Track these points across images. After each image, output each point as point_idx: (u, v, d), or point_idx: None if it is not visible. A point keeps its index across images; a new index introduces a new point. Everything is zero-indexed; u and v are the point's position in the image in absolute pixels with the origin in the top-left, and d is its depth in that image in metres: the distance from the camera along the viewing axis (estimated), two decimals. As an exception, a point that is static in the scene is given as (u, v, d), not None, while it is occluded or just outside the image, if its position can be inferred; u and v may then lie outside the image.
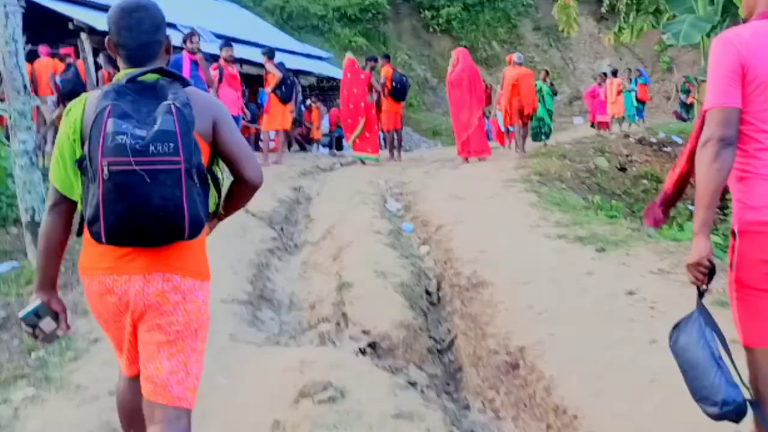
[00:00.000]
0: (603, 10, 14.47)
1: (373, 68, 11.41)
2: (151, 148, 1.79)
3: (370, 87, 10.97)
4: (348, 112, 11.13)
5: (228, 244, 5.43)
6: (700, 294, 2.07)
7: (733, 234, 2.03)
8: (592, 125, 18.65)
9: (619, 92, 17.80)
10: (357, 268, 4.91)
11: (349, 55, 12.28)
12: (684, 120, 21.20)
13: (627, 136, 15.04)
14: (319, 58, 20.82)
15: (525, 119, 12.71)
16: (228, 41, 10.16)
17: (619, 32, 13.02)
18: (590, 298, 4.11)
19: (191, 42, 9.02)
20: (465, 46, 32.39)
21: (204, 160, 1.99)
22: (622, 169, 11.04)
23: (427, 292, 4.88)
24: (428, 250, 5.71)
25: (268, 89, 10.77)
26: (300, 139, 16.93)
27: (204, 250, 2.10)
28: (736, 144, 1.97)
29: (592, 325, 3.73)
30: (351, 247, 5.45)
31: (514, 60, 12.79)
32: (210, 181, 2.04)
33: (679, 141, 15.75)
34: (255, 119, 13.71)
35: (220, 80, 9.38)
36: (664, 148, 14.49)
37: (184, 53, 9.00)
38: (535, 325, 3.85)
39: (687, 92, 22.19)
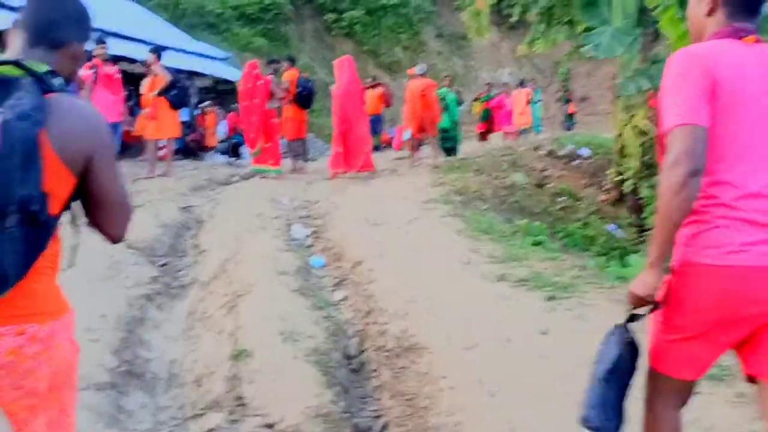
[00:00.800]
0: (513, 19, 13.71)
1: (275, 71, 10.34)
2: None
3: (271, 93, 9.90)
4: (250, 125, 9.99)
5: (90, 293, 4.26)
6: (631, 318, 2.03)
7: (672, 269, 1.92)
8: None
9: (527, 102, 17.62)
10: (257, 326, 3.89)
11: (251, 59, 11.11)
12: (568, 127, 21.63)
13: (536, 148, 14.71)
14: (216, 58, 19.40)
15: (431, 131, 12.29)
16: (101, 38, 8.79)
17: (531, 42, 12.57)
18: (551, 370, 3.30)
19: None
20: (368, 51, 32.04)
21: (63, 193, 1.60)
22: (540, 185, 10.55)
23: (347, 356, 3.92)
24: (345, 296, 4.76)
25: (152, 93, 9.49)
26: (193, 146, 15.53)
27: (54, 274, 1.69)
28: (704, 170, 1.78)
29: (559, 410, 2.92)
30: (250, 293, 4.41)
31: (416, 71, 12.32)
32: (45, 224, 1.55)
33: (586, 153, 15.66)
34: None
35: (95, 81, 8.05)
36: (573, 162, 14.28)
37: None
38: (490, 411, 2.99)
39: (567, 101, 22.61)
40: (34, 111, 1.48)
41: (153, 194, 7.99)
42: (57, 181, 1.55)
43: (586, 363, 3.36)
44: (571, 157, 14.91)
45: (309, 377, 3.39)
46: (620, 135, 10.69)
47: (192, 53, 18.06)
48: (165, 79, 9.28)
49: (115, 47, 13.87)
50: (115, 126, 8.20)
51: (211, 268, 5.35)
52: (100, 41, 8.49)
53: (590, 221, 10.05)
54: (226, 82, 18.76)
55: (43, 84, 1.55)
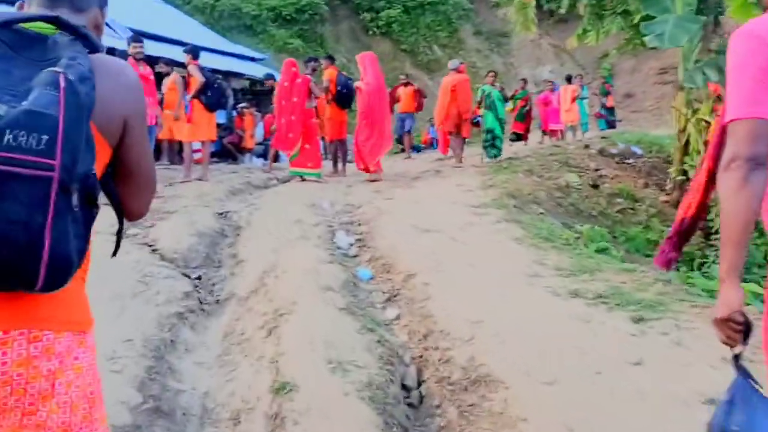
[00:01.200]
0: (561, 11, 13.06)
1: (314, 70, 9.90)
2: (8, 136, 1.15)
3: (309, 92, 9.45)
4: (289, 124, 9.56)
5: (116, 312, 3.84)
6: (736, 357, 1.63)
7: None
8: (544, 133, 17.67)
9: (573, 99, 16.88)
10: (301, 353, 3.40)
11: (289, 57, 10.71)
12: (609, 122, 20.47)
13: (587, 146, 14.00)
14: (252, 59, 19.11)
15: (463, 129, 11.96)
16: (137, 35, 8.44)
17: (583, 34, 11.89)
18: (650, 410, 2.74)
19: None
20: (405, 50, 31.53)
21: (98, 169, 1.36)
22: (595, 186, 9.89)
23: (404, 387, 3.41)
24: (398, 314, 4.24)
25: (188, 95, 9.13)
26: (231, 148, 15.22)
27: (85, 277, 1.43)
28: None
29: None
30: (292, 312, 3.93)
31: (450, 66, 12.32)
32: (96, 205, 1.33)
33: (639, 152, 14.88)
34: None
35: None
36: (627, 161, 13.54)
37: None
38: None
39: (606, 94, 21.52)
40: (90, 73, 1.29)
41: (188, 199, 7.60)
42: (100, 155, 1.35)
43: (692, 401, 2.81)
44: (624, 155, 14.16)
45: (363, 418, 2.88)
46: (683, 131, 9.97)
47: (228, 54, 17.80)
48: (199, 80, 8.91)
49: (151, 48, 13.69)
50: (150, 129, 7.84)
51: (250, 281, 4.89)
52: (136, 39, 8.12)
53: (651, 224, 9.36)
54: (263, 83, 18.47)
55: (88, 43, 1.35)
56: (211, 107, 9.28)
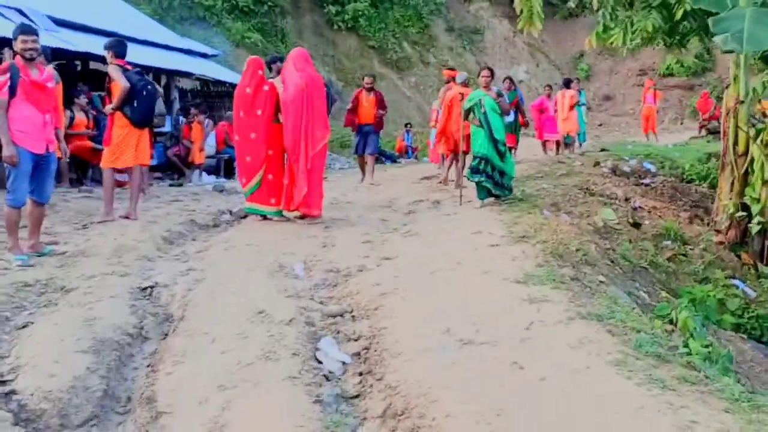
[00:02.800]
0: (571, 4, 10.97)
1: (279, 72, 7.60)
2: None
3: (278, 104, 7.15)
4: (247, 145, 7.23)
5: None
6: None
7: None
8: (544, 146, 15.61)
9: (572, 107, 14.89)
10: None
11: (245, 57, 8.26)
12: None
13: (598, 163, 12.01)
14: (204, 55, 16.62)
15: (459, 149, 9.72)
16: (27, 26, 5.98)
17: (604, 33, 9.82)
18: None
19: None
20: (373, 47, 29.24)
21: None
22: (636, 225, 7.84)
23: None
24: None
25: (108, 106, 6.79)
26: (176, 161, 12.78)
27: None
28: None
29: None
30: None
31: (456, 79, 10.31)
32: None
33: (653, 169, 12.96)
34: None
35: (12, 93, 5.27)
36: (643, 180, 11.59)
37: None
38: None
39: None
40: None
41: (98, 262, 5.25)
42: None
43: None
44: (640, 174, 12.22)
45: None
46: (743, 154, 8.01)
47: (176, 49, 15.29)
48: (122, 86, 6.56)
49: (81, 42, 11.20)
50: (43, 159, 5.45)
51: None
52: (26, 30, 5.60)
53: (710, 275, 7.36)
54: (218, 83, 16.02)
55: None
56: (138, 122, 6.94)
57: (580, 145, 15.65)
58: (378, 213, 8.00)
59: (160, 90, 9.48)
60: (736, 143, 8.44)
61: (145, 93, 6.88)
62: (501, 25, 34.40)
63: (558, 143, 14.90)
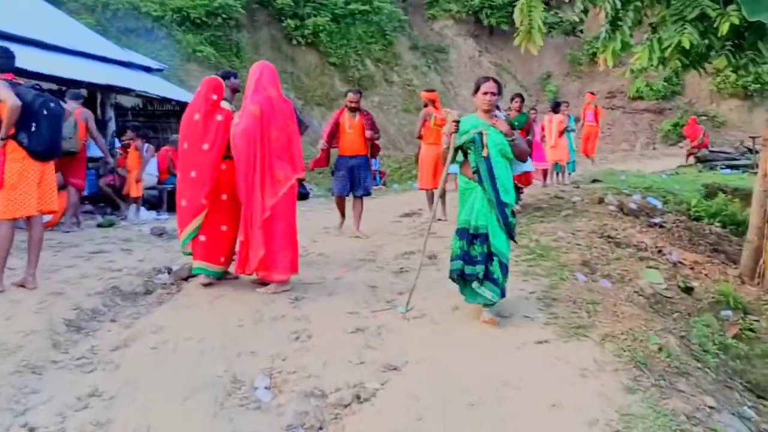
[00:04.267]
0: (575, 18, 9.43)
1: (235, 91, 5.80)
2: None
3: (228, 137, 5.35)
4: (185, 185, 5.44)
5: None
6: None
7: None
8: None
9: (561, 133, 13.45)
10: None
11: (196, 72, 6.27)
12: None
13: (602, 200, 10.51)
14: (147, 69, 14.64)
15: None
16: None
17: (623, 50, 8.30)
18: None
19: None
20: (334, 63, 27.55)
21: None
22: (688, 290, 6.26)
23: None
24: None
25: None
26: (110, 193, 10.78)
27: None
28: None
29: None
30: None
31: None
32: None
33: (659, 205, 11.54)
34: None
35: None
36: (654, 220, 10.11)
37: None
38: None
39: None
40: None
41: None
42: None
43: None
44: (647, 212, 10.77)
45: None
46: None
47: (113, 62, 13.30)
48: (10, 105, 4.68)
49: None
50: None
51: None
52: None
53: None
54: (164, 100, 14.07)
55: None
56: (40, 152, 5.06)
57: (569, 174, 14.20)
58: (361, 272, 6.24)
59: (70, 107, 7.59)
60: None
61: (46, 113, 5.00)
62: (466, 44, 33.20)
63: (545, 173, 13.39)
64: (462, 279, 4.51)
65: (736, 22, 6.86)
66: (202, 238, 5.57)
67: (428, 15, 33.40)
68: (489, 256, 4.44)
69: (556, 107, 13.78)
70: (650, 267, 6.37)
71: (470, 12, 33.15)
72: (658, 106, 29.94)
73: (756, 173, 16.41)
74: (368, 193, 8.39)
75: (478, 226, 4.50)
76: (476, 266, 4.40)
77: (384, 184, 18.80)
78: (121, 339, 4.36)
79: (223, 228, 5.53)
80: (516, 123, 8.24)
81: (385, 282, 5.83)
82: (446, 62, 31.99)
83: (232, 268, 5.66)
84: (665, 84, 29.19)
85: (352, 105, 8.20)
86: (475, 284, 4.45)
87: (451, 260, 4.59)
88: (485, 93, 4.67)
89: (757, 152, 18.04)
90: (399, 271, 6.27)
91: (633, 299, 5.31)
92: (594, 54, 31.94)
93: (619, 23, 8.38)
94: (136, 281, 5.82)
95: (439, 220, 9.65)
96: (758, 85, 26.69)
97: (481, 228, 4.49)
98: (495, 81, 4.76)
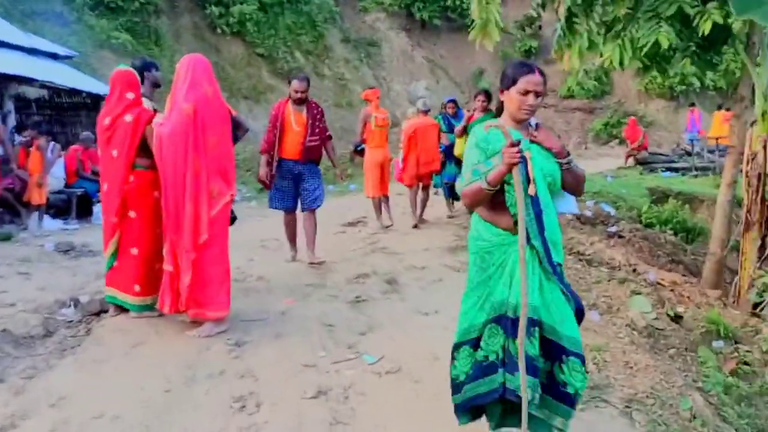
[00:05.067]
0: (561, 21, 8.65)
1: (156, 86, 4.72)
2: None
3: (144, 142, 4.30)
4: (103, 199, 4.45)
5: None
6: None
7: None
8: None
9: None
10: None
11: (122, 66, 4.97)
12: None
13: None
14: (54, 56, 13.08)
15: (425, 181, 9.14)
16: None
17: (591, 50, 7.61)
18: None
19: None
20: (262, 55, 26.21)
21: None
22: (676, 319, 5.63)
23: None
24: None
25: None
26: (10, 198, 9.33)
27: None
28: None
29: None
30: None
31: (418, 106, 9.29)
32: None
33: (612, 211, 11.08)
34: None
35: None
36: (611, 229, 9.59)
37: None
38: None
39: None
40: None
41: None
42: None
43: None
44: (603, 220, 10.26)
45: None
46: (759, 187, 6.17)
47: (14, 47, 11.73)
48: None
49: None
50: None
51: None
52: None
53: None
54: (73, 92, 12.58)
55: None
56: None
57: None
58: (311, 303, 5.29)
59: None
60: (765, 197, 6.56)
61: None
62: (398, 38, 32.42)
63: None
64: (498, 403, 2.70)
65: (720, 20, 6.31)
66: (115, 263, 4.57)
67: (360, 7, 32.41)
68: (551, 354, 2.63)
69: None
70: (634, 292, 5.70)
71: (402, 5, 32.38)
72: (589, 105, 30.11)
73: (696, 176, 16.57)
74: (317, 206, 6.64)
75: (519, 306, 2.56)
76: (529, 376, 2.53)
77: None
78: (8, 414, 3.27)
79: (133, 251, 4.49)
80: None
81: (341, 318, 4.91)
82: (378, 56, 31.14)
83: (153, 301, 4.62)
84: (596, 84, 29.35)
85: (299, 96, 6.47)
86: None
87: (466, 377, 2.74)
88: (527, 92, 2.65)
89: (698, 155, 18.08)
90: (355, 301, 5.35)
91: (632, 337, 4.60)
92: (527, 51, 31.93)
93: (575, 20, 7.75)
94: (33, 320, 4.67)
95: (387, 227, 8.81)
96: (683, 87, 27.14)
97: (532, 309, 2.57)
98: (541, 73, 2.68)
